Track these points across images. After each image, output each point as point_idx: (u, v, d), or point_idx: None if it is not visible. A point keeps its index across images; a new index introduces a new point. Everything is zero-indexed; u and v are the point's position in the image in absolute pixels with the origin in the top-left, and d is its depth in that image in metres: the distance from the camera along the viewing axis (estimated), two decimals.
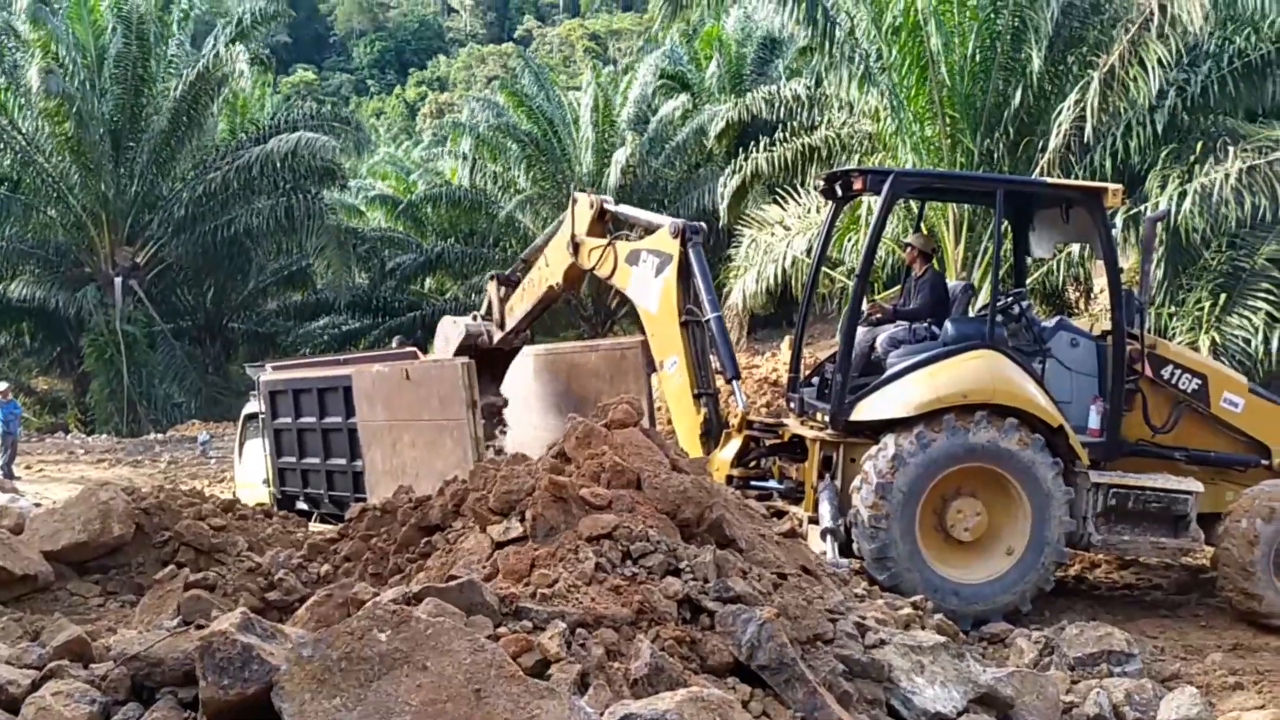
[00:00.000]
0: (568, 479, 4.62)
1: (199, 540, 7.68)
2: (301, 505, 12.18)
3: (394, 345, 16.16)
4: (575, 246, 9.58)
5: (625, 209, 10.15)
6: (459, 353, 10.79)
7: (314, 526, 10.07)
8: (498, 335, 10.87)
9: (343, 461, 11.34)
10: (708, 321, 8.71)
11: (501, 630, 3.70)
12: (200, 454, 18.78)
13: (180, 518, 7.88)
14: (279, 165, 24.36)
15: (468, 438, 9.56)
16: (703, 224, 9.39)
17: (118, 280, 24.60)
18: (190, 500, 8.58)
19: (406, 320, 28.11)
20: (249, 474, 13.45)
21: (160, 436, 21.70)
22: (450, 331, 11.30)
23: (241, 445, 13.86)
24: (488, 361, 10.85)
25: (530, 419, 11.09)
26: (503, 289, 10.74)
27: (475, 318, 11.16)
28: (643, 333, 9.61)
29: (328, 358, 15.86)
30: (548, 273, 10.06)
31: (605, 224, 9.81)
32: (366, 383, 10.85)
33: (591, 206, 9.70)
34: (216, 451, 18.48)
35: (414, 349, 14.35)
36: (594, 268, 9.59)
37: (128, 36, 23.83)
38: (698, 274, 8.73)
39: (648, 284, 8.97)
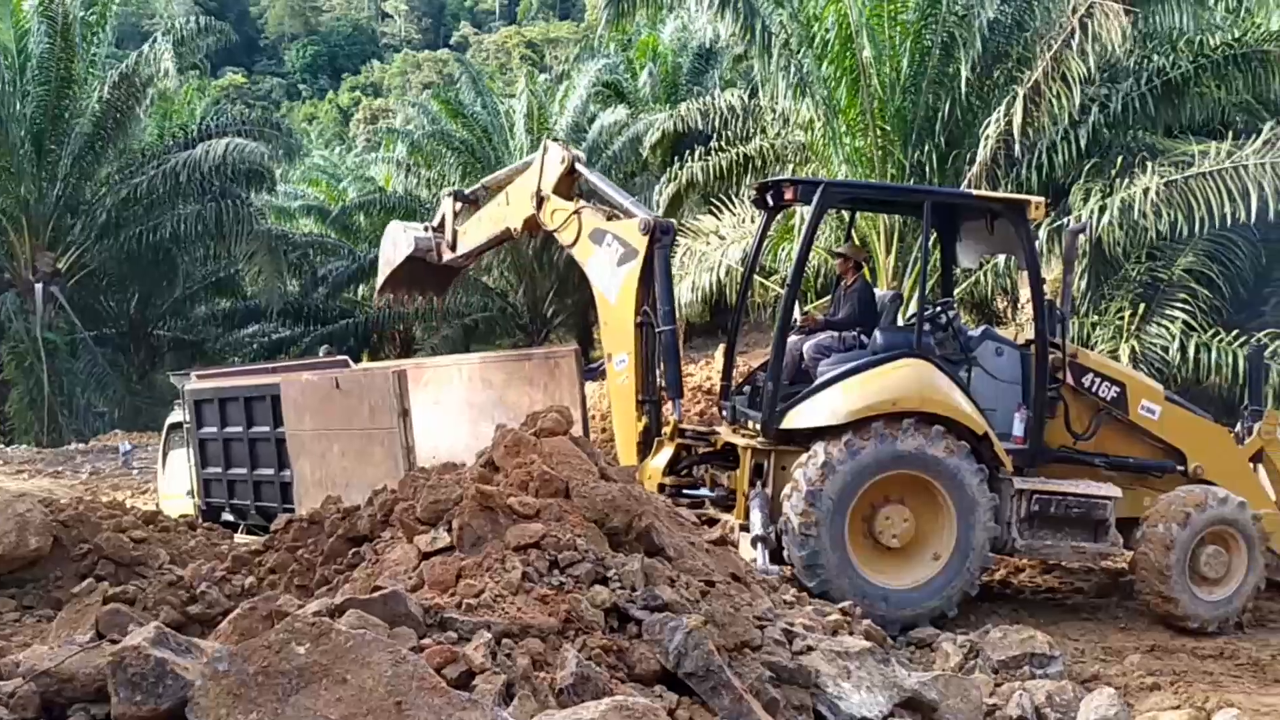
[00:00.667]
0: (495, 488, 4.60)
1: (119, 553, 7.51)
2: (227, 517, 11.93)
3: (321, 354, 15.94)
4: (539, 200, 9.31)
5: (596, 178, 9.80)
6: (406, 263, 10.82)
7: (239, 538, 9.88)
8: (446, 254, 10.71)
9: (270, 472, 11.14)
10: (661, 332, 8.61)
11: (426, 641, 3.66)
12: (122, 464, 18.32)
13: (100, 530, 7.69)
14: (207, 170, 23.89)
15: (398, 447, 9.46)
16: (673, 222, 9.30)
17: (38, 286, 23.88)
18: (111, 512, 8.37)
19: (338, 328, 27.75)
20: (172, 485, 13.15)
21: (82, 447, 21.12)
22: (399, 238, 11.15)
23: (165, 456, 13.55)
24: (432, 275, 10.89)
25: (462, 427, 11.01)
26: (458, 205, 10.52)
27: (427, 228, 10.92)
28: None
29: (255, 366, 15.58)
30: (507, 212, 9.85)
31: (574, 182, 9.52)
32: (295, 391, 10.68)
33: (563, 162, 9.31)
34: (139, 462, 18.05)
35: (344, 358, 14.17)
36: (556, 230, 9.28)
37: (51, 37, 23.22)
38: (659, 280, 8.58)
39: (609, 270, 8.73)
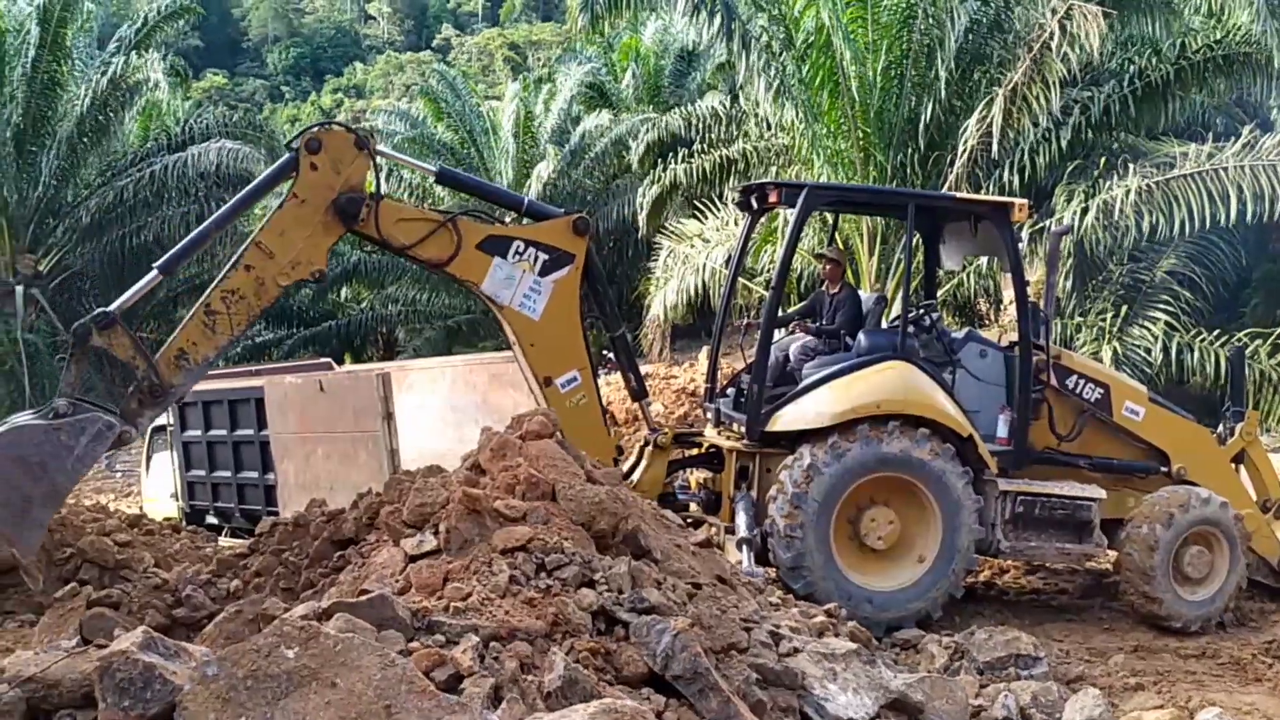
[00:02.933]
0: (482, 491, 4.60)
1: (103, 557, 7.45)
2: (211, 520, 11.90)
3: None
4: (346, 203, 6.92)
5: (387, 150, 8.15)
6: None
7: (224, 541, 9.85)
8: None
9: (255, 474, 11.11)
10: (619, 335, 8.26)
11: (414, 645, 3.66)
12: (105, 468, 18.20)
13: (83, 534, 7.63)
14: (191, 173, 23.76)
15: (383, 450, 9.44)
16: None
17: (19, 289, 23.70)
18: (94, 515, 8.31)
19: (322, 330, 27.64)
20: (156, 488, 13.10)
21: None
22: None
23: (149, 459, 13.49)
24: None
25: (446, 430, 10.99)
26: (105, 336, 6.55)
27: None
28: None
29: (239, 369, 15.51)
30: (278, 266, 6.86)
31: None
32: (279, 394, 10.65)
33: (356, 144, 7.03)
34: (123, 465, 17.93)
35: (328, 360, 14.13)
36: (410, 245, 7.23)
37: (42, 39, 23.06)
38: (602, 281, 7.97)
39: (524, 283, 7.42)
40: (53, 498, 6.17)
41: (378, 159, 7.24)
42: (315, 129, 7.04)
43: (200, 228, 7.14)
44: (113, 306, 6.57)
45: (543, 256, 7.45)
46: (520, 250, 7.41)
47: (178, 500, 12.31)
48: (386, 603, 3.73)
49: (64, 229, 24.90)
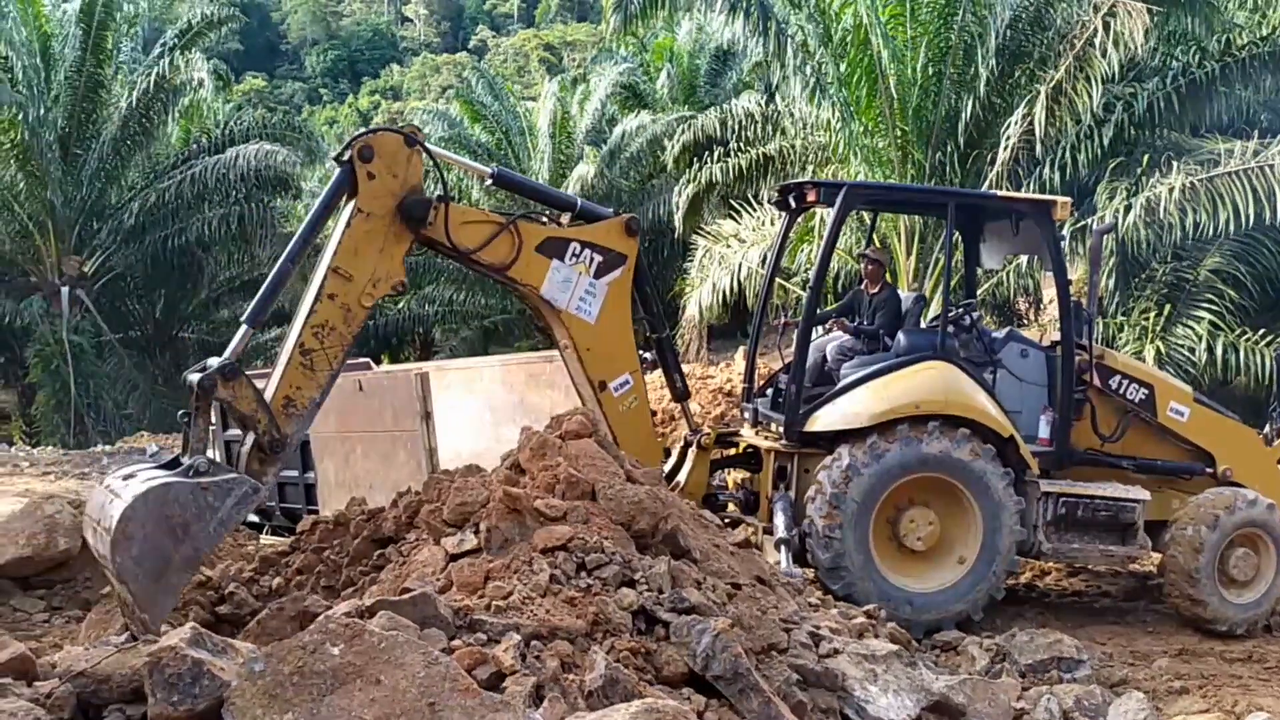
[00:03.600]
0: (522, 491, 4.61)
1: None
2: (252, 518, 12.01)
3: None
4: (411, 206, 6.73)
5: (443, 152, 7.83)
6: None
7: (265, 539, 9.95)
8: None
9: (294, 473, 11.20)
10: (664, 336, 8.14)
11: (456, 643, 3.68)
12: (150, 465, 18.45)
13: None
14: (232, 175, 24.09)
15: (421, 449, 9.50)
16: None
17: (64, 290, 24.12)
18: None
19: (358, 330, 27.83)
20: None
21: (108, 449, 21.28)
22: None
23: None
24: None
25: (484, 430, 11.03)
26: (230, 388, 6.18)
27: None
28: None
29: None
30: (359, 287, 6.63)
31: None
32: None
33: (406, 143, 6.79)
34: None
35: (367, 360, 14.23)
36: (475, 249, 7.05)
37: (85, 42, 23.46)
38: (649, 282, 7.82)
39: (579, 285, 7.29)
40: (191, 562, 5.80)
41: (433, 156, 7.03)
42: (362, 137, 6.77)
43: (276, 269, 6.63)
44: (227, 356, 6.21)
45: (597, 258, 7.33)
46: (577, 252, 7.27)
47: None
48: (429, 601, 3.76)
49: (107, 231, 25.32)
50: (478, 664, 3.53)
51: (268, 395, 6.32)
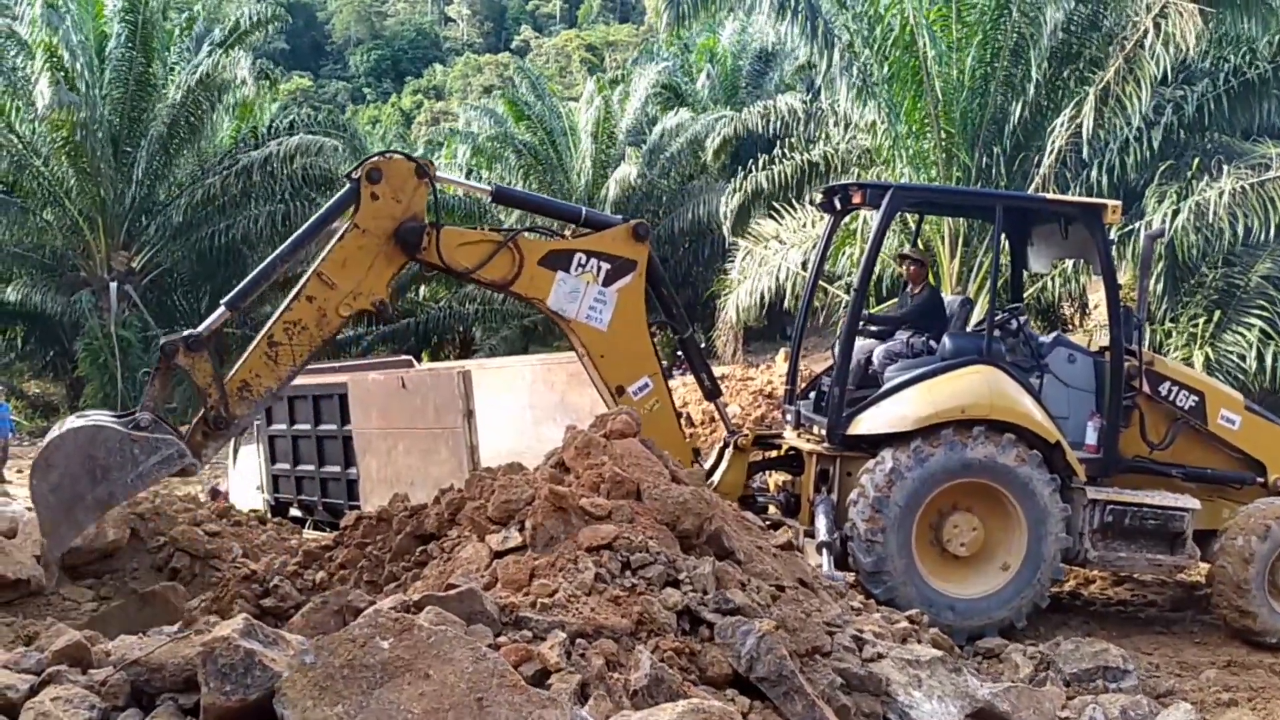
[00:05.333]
0: (568, 489, 4.62)
1: (194, 546, 7.68)
2: (295, 512, 12.15)
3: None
4: (407, 232, 6.85)
5: (446, 175, 7.84)
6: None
7: (308, 534, 10.06)
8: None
9: (337, 469, 11.33)
10: (689, 336, 8.14)
11: (501, 640, 3.70)
12: None
13: (175, 523, 7.87)
14: (277, 172, 24.38)
15: (463, 446, 9.56)
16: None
17: (113, 285, 24.54)
18: (185, 506, 8.57)
19: (399, 328, 28.07)
20: (243, 480, 13.43)
21: None
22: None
23: (235, 452, 13.83)
24: None
25: (525, 428, 11.08)
26: (190, 358, 6.51)
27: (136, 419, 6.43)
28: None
29: (323, 365, 15.84)
30: (340, 296, 6.80)
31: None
32: (362, 390, 10.84)
33: (416, 173, 6.94)
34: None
35: (409, 358, 14.34)
36: (473, 269, 7.14)
37: (132, 41, 23.84)
38: (665, 283, 7.84)
39: (589, 295, 7.32)
40: (102, 504, 6.09)
41: (437, 187, 7.14)
42: (375, 158, 6.99)
43: (265, 262, 7.02)
44: (199, 329, 6.58)
45: (605, 266, 7.35)
46: (582, 262, 7.31)
47: (263, 493, 12.60)
48: (475, 597, 3.77)
49: (155, 227, 25.71)
50: (523, 661, 3.54)
51: (228, 377, 6.58)
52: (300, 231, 7.12)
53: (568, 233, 7.62)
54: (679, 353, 7.96)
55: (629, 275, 7.38)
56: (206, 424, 6.53)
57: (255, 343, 6.75)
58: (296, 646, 3.15)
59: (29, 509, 8.95)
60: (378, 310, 6.99)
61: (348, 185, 6.98)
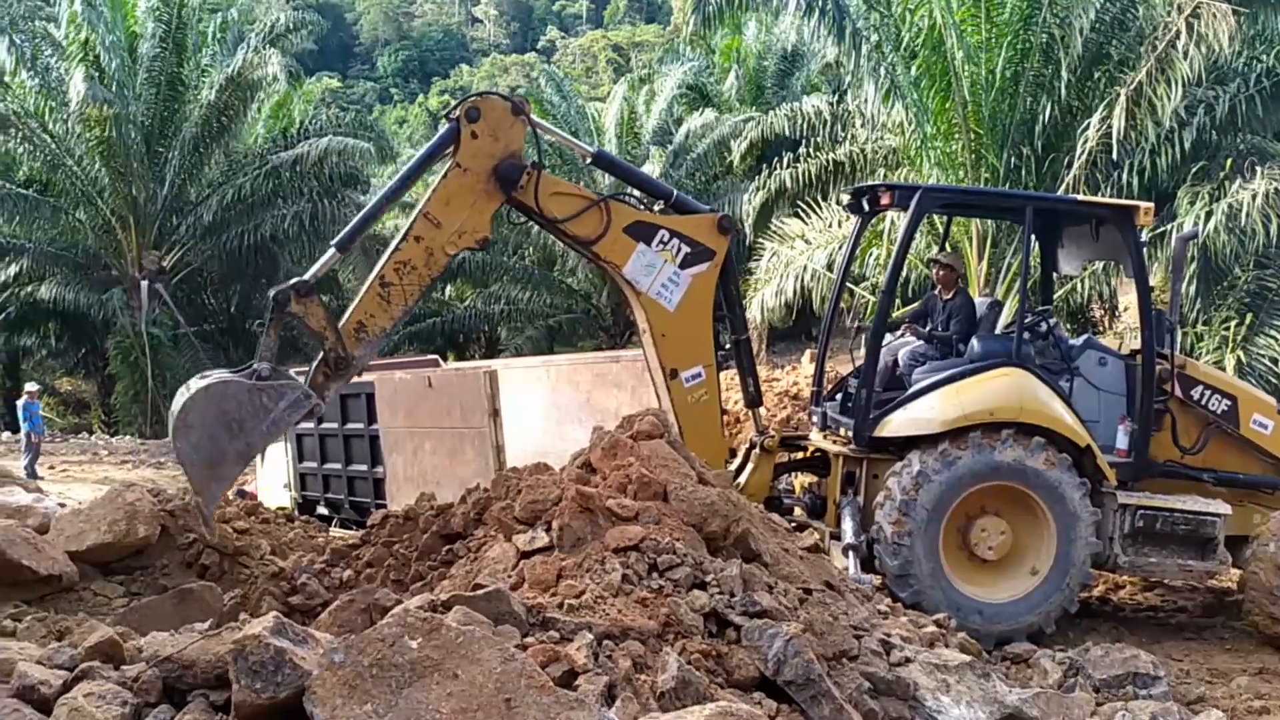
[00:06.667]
0: (595, 490, 4.62)
1: (222, 543, 7.71)
2: (322, 510, 12.22)
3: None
4: (507, 169, 6.97)
5: (547, 125, 7.88)
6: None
7: (335, 531, 10.11)
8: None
9: (364, 467, 11.38)
10: (745, 340, 8.15)
11: (529, 640, 3.70)
12: None
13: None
14: (307, 171, 24.57)
15: (489, 446, 9.58)
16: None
17: (144, 283, 24.78)
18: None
19: (425, 327, 28.20)
20: (270, 478, 13.52)
21: None
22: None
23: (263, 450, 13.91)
24: None
25: (550, 428, 11.10)
26: (303, 304, 6.63)
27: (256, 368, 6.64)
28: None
29: None
30: (445, 235, 6.97)
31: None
32: (389, 390, 10.88)
33: (513, 111, 7.05)
34: None
35: (435, 357, 14.39)
36: (562, 219, 7.23)
37: (165, 41, 24.07)
38: (736, 282, 7.91)
39: (665, 272, 7.39)
40: (244, 455, 6.38)
41: (536, 129, 7.32)
42: (473, 98, 7.17)
43: (372, 202, 7.31)
44: (307, 276, 6.76)
45: (685, 249, 7.45)
46: (665, 240, 7.41)
47: (290, 490, 12.68)
48: (502, 597, 3.78)
49: (186, 226, 25.94)
50: (550, 661, 3.54)
51: (343, 320, 6.78)
52: (405, 170, 7.34)
53: (656, 210, 7.72)
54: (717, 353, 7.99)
55: (706, 263, 7.49)
56: (327, 365, 6.74)
57: (368, 284, 6.96)
58: (326, 645, 3.17)
59: (62, 505, 9.08)
60: (481, 247, 7.25)
61: (448, 125, 7.16)
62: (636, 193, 8.06)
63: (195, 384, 6.50)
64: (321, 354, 6.75)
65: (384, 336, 7.04)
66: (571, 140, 8.89)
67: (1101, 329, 18.60)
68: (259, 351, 6.60)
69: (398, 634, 3.10)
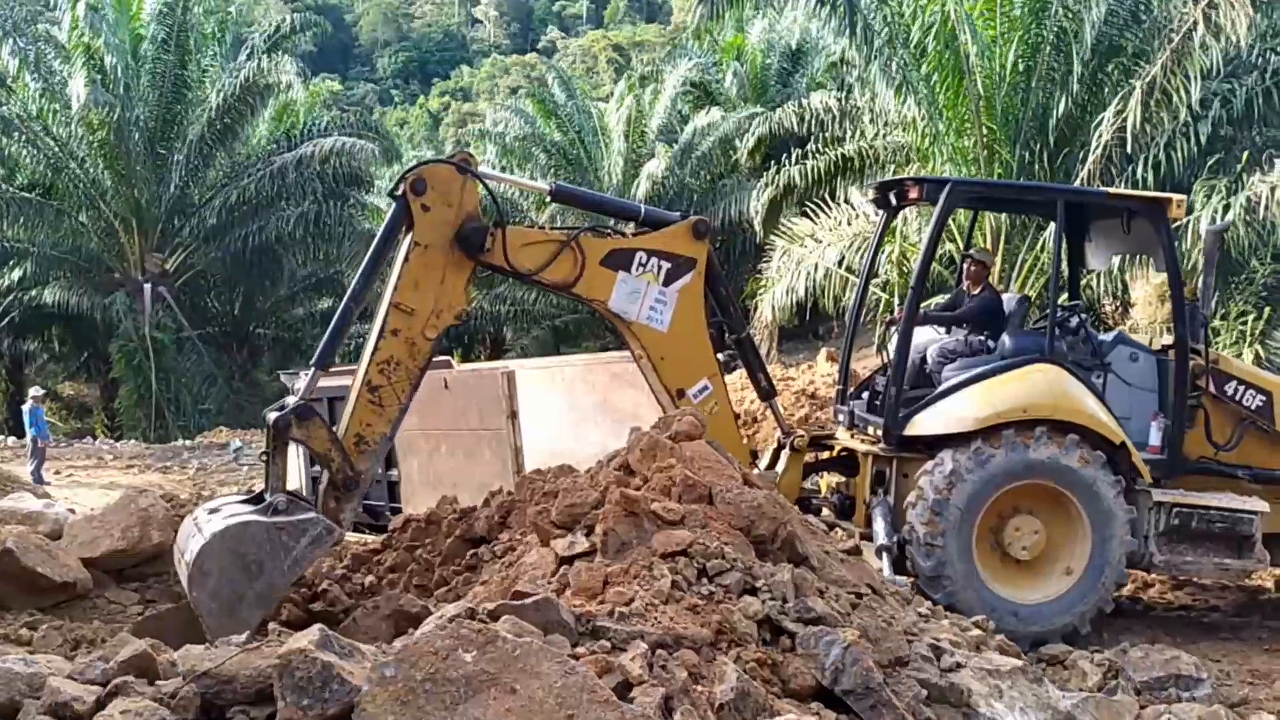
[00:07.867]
0: (640, 493, 4.46)
1: None
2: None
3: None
4: (469, 234, 6.62)
5: (490, 172, 7.50)
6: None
7: (350, 536, 9.95)
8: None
9: (377, 471, 11.20)
10: (745, 337, 7.93)
11: (579, 650, 3.54)
12: (234, 460, 18.79)
13: None
14: (311, 172, 24.44)
15: (507, 448, 9.41)
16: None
17: (147, 287, 24.64)
18: None
19: None
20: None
21: (188, 443, 21.65)
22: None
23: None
24: None
25: (565, 430, 10.93)
26: (304, 429, 6.27)
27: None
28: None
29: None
30: (421, 320, 6.59)
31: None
32: None
33: (458, 171, 6.69)
34: (246, 460, 18.43)
35: (448, 358, 14.21)
36: (536, 270, 6.91)
37: (168, 43, 23.94)
38: (722, 282, 7.58)
39: (650, 295, 7.10)
40: (265, 599, 5.88)
41: (486, 181, 6.92)
42: (413, 169, 6.71)
43: (341, 309, 6.74)
44: (299, 398, 6.35)
45: (665, 265, 7.11)
46: (644, 261, 7.08)
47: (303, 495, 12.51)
48: (551, 606, 3.63)
49: (189, 229, 25.81)
50: (604, 672, 3.39)
51: (340, 433, 6.38)
52: (363, 267, 6.83)
53: (627, 231, 7.39)
54: (720, 354, 7.68)
55: (689, 274, 7.16)
56: (335, 489, 6.34)
57: (356, 393, 6.50)
58: (375, 659, 3.01)
59: (71, 511, 8.92)
60: (463, 321, 6.81)
61: (394, 204, 6.71)
62: (606, 219, 7.72)
63: (206, 521, 6.09)
64: (328, 478, 6.38)
65: (387, 442, 6.66)
66: (526, 183, 8.58)
67: (1113, 323, 18.44)
68: (269, 481, 6.24)
69: (451, 646, 2.94)
